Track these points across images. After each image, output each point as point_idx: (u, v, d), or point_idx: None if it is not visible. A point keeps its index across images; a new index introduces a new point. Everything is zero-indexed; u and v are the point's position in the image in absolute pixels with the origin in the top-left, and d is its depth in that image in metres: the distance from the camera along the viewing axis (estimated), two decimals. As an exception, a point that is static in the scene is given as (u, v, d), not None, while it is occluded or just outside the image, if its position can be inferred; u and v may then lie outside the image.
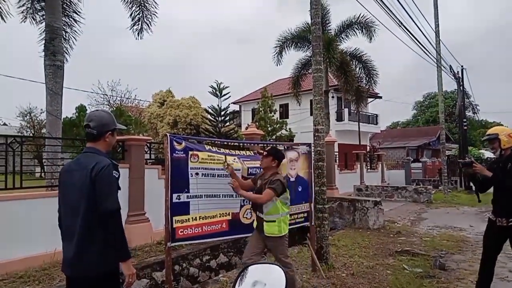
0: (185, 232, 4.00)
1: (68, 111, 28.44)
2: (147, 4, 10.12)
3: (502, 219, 3.74)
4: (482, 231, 4.15)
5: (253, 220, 4.72)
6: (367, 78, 19.03)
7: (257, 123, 17.97)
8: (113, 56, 74.56)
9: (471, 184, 4.50)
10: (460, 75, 20.65)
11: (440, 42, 17.41)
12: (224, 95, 14.42)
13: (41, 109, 25.14)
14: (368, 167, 20.13)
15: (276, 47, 18.49)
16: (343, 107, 25.42)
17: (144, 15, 10.19)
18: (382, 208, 8.96)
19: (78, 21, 10.43)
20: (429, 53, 15.80)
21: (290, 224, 5.15)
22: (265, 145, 9.05)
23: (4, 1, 8.36)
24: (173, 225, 3.91)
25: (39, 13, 10.10)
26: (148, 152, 8.58)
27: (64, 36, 9.58)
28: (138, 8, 10.10)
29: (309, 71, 17.27)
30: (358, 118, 24.43)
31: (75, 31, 10.44)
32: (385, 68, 75.78)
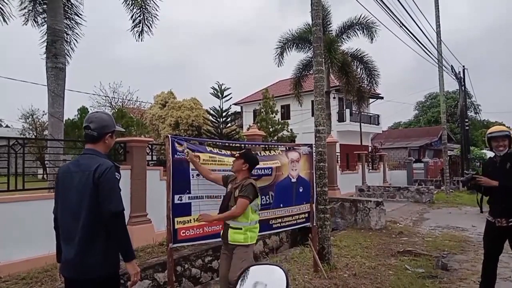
0: (187, 233, 4.01)
1: (70, 113, 28.58)
2: (148, 6, 10.15)
3: (502, 219, 3.70)
4: (484, 231, 4.13)
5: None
6: (369, 79, 19.04)
7: (258, 124, 17.98)
8: (114, 58, 74.82)
9: (477, 196, 4.35)
10: (461, 75, 20.62)
11: (441, 42, 17.40)
12: (226, 96, 14.44)
13: (43, 111, 25.22)
14: (370, 168, 20.09)
15: (277, 48, 18.55)
16: (344, 108, 25.41)
17: (145, 17, 10.21)
18: (384, 209, 8.94)
19: (80, 23, 10.48)
20: (431, 53, 15.81)
21: (290, 225, 5.20)
22: (266, 146, 9.05)
23: (6, 3, 8.41)
24: (175, 226, 3.91)
25: (40, 16, 10.15)
26: (150, 153, 8.59)
27: (66, 38, 9.62)
28: (139, 10, 10.12)
29: (311, 72, 17.27)
30: (360, 119, 24.41)
31: (77, 33, 10.49)
32: (386, 69, 75.88)
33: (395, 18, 10.61)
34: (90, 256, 2.21)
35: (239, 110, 30.91)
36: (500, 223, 3.71)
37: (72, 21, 10.36)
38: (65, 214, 2.32)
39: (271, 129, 19.22)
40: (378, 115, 28.36)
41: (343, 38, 18.25)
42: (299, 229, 5.46)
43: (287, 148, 5.51)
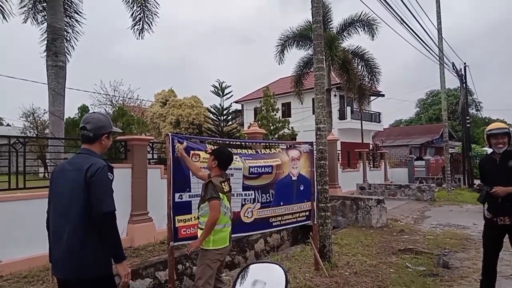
0: (188, 231, 4.01)
1: (70, 111, 28.52)
2: (148, 4, 10.13)
3: (505, 218, 3.67)
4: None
5: (254, 219, 4.72)
6: (370, 76, 18.97)
7: (259, 122, 17.95)
8: (115, 57, 74.80)
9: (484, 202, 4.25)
10: (463, 73, 20.55)
11: (443, 39, 17.33)
12: (226, 94, 14.45)
13: (44, 110, 25.20)
14: (371, 166, 20.06)
15: (278, 45, 18.48)
16: (345, 105, 25.37)
17: (145, 15, 10.19)
18: (385, 207, 8.94)
19: (80, 21, 10.46)
20: (432, 50, 15.76)
21: (291, 223, 5.20)
22: (267, 144, 9.04)
23: (6, 1, 8.40)
24: (176, 225, 3.91)
25: (40, 14, 10.13)
26: (151, 152, 8.59)
27: (66, 37, 9.60)
28: (139, 8, 10.10)
29: (311, 70, 17.22)
30: (361, 116, 24.36)
31: (77, 31, 10.46)
32: (387, 66, 75.58)
33: (396, 15, 10.59)
34: (81, 256, 2.17)
35: (240, 108, 30.90)
36: (503, 221, 3.68)
37: (72, 19, 10.34)
38: (57, 212, 2.29)
39: (272, 127, 19.20)
40: (379, 112, 28.31)
41: (344, 36, 18.18)
42: (300, 227, 5.46)
43: (288, 146, 5.51)
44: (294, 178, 5.11)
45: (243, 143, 8.93)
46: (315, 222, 5.43)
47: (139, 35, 10.33)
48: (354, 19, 17.73)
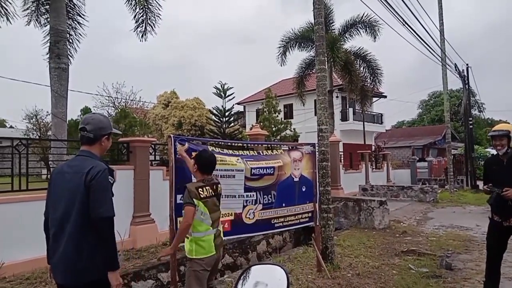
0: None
1: (73, 113, 28.72)
2: (150, 6, 10.17)
3: (511, 219, 3.66)
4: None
5: (256, 220, 4.71)
6: (372, 78, 18.96)
7: (261, 124, 17.98)
8: (115, 56, 75.01)
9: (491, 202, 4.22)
10: (465, 74, 20.49)
11: (445, 40, 17.29)
12: (228, 95, 14.46)
13: (47, 112, 25.28)
14: (374, 167, 20.01)
15: (280, 47, 18.50)
16: (347, 107, 25.35)
17: (148, 17, 10.24)
18: (387, 208, 8.91)
19: (82, 23, 10.52)
20: (434, 51, 15.71)
21: (293, 224, 5.19)
22: (269, 145, 9.04)
23: (10, 3, 8.45)
24: (178, 226, 3.91)
25: (43, 16, 10.19)
26: (153, 153, 8.61)
27: (69, 39, 9.65)
28: (141, 10, 10.14)
29: (313, 71, 17.22)
30: (363, 118, 24.33)
31: (80, 33, 10.53)
32: (389, 67, 75.52)
33: (398, 17, 10.57)
34: (79, 260, 2.14)
35: (242, 109, 30.93)
36: (509, 223, 3.67)
37: (74, 21, 10.41)
38: (55, 216, 2.26)
39: (274, 129, 19.21)
40: (381, 114, 28.27)
41: (346, 37, 18.17)
42: (303, 228, 5.45)
43: (290, 147, 5.50)
44: (296, 179, 5.10)
45: (245, 145, 8.94)
46: (317, 224, 5.41)
47: (142, 38, 10.37)
48: (356, 20, 17.73)
